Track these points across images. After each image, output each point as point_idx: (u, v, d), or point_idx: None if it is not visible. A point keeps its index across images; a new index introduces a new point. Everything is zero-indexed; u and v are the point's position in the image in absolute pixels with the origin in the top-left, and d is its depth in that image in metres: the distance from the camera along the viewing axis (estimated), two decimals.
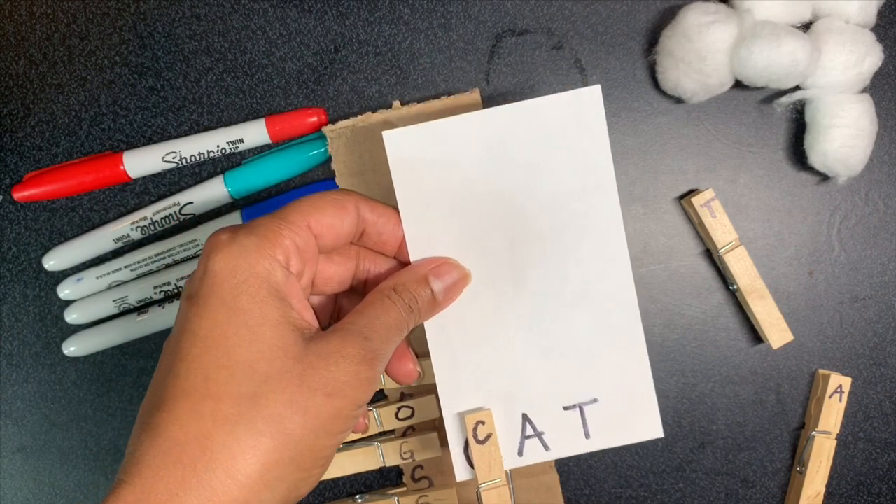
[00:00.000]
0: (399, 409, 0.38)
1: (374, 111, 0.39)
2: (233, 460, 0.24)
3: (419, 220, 0.32)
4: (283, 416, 0.25)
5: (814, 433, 0.37)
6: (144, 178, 0.41)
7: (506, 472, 0.33)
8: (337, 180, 0.39)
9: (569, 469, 0.41)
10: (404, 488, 0.40)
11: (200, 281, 0.26)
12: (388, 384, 0.39)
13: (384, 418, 0.38)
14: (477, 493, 0.33)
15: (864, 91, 0.38)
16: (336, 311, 0.33)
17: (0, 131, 0.41)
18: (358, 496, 0.40)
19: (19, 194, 0.40)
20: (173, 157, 0.39)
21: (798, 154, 0.40)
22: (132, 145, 0.41)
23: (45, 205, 0.41)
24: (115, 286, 0.41)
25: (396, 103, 0.38)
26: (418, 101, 0.39)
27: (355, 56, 0.40)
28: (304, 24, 0.40)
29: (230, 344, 0.25)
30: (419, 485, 0.40)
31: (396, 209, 0.32)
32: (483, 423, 0.32)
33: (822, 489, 0.38)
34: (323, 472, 0.27)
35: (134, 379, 0.42)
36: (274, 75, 0.40)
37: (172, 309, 0.40)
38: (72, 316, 0.41)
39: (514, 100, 0.40)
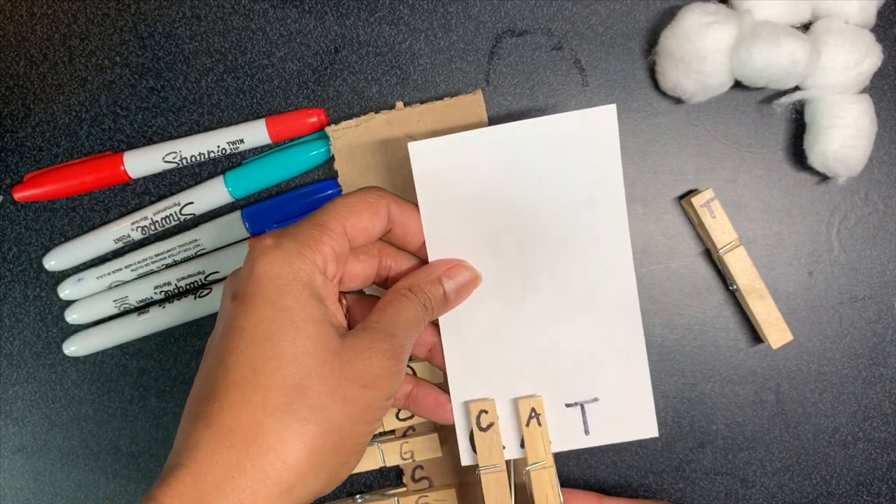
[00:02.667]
0: (399, 409, 0.38)
1: (376, 112, 0.39)
2: (282, 445, 0.26)
3: (438, 224, 0.34)
4: (326, 406, 0.27)
5: (528, 468, 0.35)
6: (145, 178, 0.41)
7: (508, 461, 0.35)
8: (339, 180, 0.39)
9: (569, 469, 0.41)
10: (404, 488, 0.40)
11: (246, 282, 0.28)
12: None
13: (385, 419, 0.38)
14: (477, 474, 0.34)
15: (863, 91, 0.38)
16: (345, 308, 0.34)
17: (1, 131, 0.41)
18: (358, 496, 0.40)
19: (20, 194, 0.40)
20: (174, 158, 0.39)
21: (798, 154, 0.40)
22: (132, 146, 0.41)
23: (45, 205, 0.41)
24: (116, 286, 0.41)
25: (399, 104, 0.38)
26: (421, 102, 0.39)
27: (355, 56, 0.40)
28: (305, 25, 0.40)
29: (276, 338, 0.27)
30: (419, 485, 0.40)
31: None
32: (486, 412, 0.34)
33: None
34: (360, 459, 0.30)
35: (134, 379, 0.42)
36: (274, 76, 0.40)
37: (173, 309, 0.40)
38: (72, 316, 0.41)
39: (514, 100, 0.40)
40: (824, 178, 0.40)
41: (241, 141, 0.39)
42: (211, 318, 0.41)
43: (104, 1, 0.40)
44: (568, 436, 0.35)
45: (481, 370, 0.35)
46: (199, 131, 0.40)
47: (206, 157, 0.39)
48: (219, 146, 0.39)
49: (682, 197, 0.40)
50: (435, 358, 0.36)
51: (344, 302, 0.34)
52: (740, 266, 0.38)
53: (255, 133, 0.39)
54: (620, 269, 0.34)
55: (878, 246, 0.41)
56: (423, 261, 0.35)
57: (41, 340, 0.42)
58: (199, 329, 0.41)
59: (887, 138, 0.40)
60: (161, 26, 0.40)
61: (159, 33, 0.40)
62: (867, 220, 0.40)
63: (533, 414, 0.35)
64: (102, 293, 0.41)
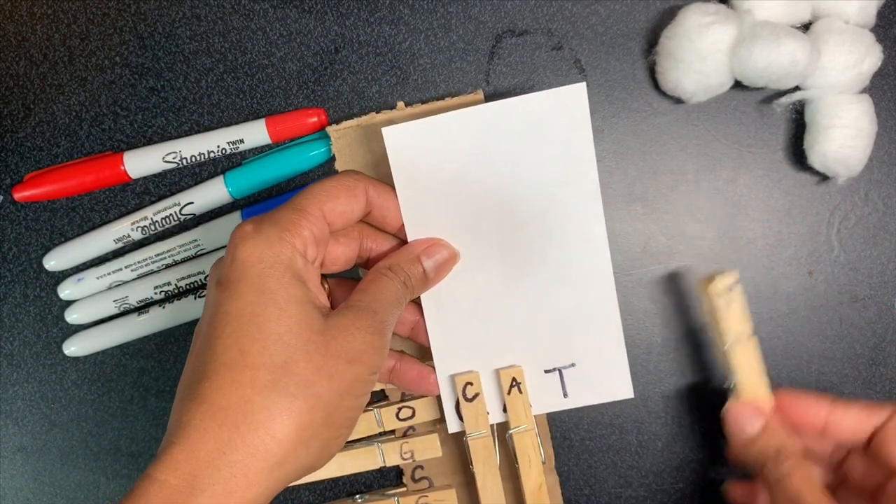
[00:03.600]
0: (400, 409, 0.38)
1: (377, 111, 0.39)
2: (271, 421, 0.26)
3: (416, 206, 0.35)
4: (313, 382, 0.27)
5: (510, 432, 0.37)
6: (145, 178, 0.41)
7: (492, 426, 0.37)
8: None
9: (569, 469, 0.41)
10: (404, 488, 0.40)
11: (229, 268, 0.29)
12: (390, 384, 0.39)
13: (385, 418, 0.39)
14: (465, 441, 0.37)
15: (863, 91, 0.38)
16: (328, 291, 0.35)
17: (1, 131, 0.41)
18: (358, 496, 0.40)
19: (20, 194, 0.40)
20: (174, 158, 0.39)
21: (798, 154, 0.40)
22: (133, 146, 0.41)
23: (45, 205, 0.41)
24: (116, 286, 0.41)
25: (400, 104, 0.38)
26: (421, 102, 0.39)
27: (355, 56, 0.40)
28: (305, 25, 0.40)
29: (261, 320, 0.28)
30: (419, 485, 0.40)
31: None
32: (471, 384, 0.36)
33: (542, 480, 0.37)
34: (350, 433, 0.31)
35: (134, 379, 0.42)
36: (274, 76, 0.40)
37: (173, 309, 0.40)
38: (72, 316, 0.41)
39: None
40: (824, 178, 0.40)
41: (241, 141, 0.39)
42: None
43: (104, 1, 0.40)
44: (547, 399, 0.37)
45: (464, 344, 0.37)
46: (199, 131, 0.40)
47: (206, 157, 0.39)
48: (219, 146, 0.39)
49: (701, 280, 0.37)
50: (418, 335, 0.37)
51: (326, 286, 0.34)
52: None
53: (255, 133, 0.39)
54: (595, 241, 0.35)
55: (878, 246, 0.41)
56: (403, 241, 0.35)
57: (41, 340, 0.42)
58: None
59: (887, 138, 0.40)
60: (161, 26, 0.40)
61: (159, 33, 0.40)
62: (867, 220, 0.40)
63: (514, 383, 0.36)
64: (102, 293, 0.41)
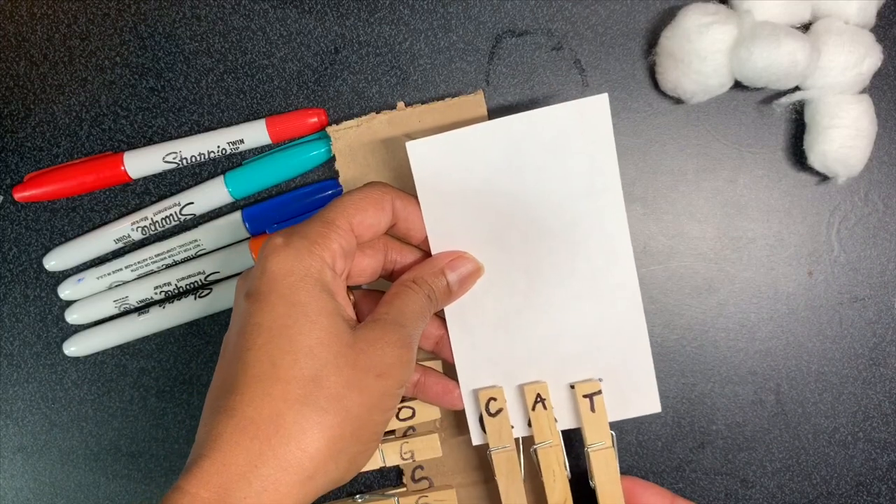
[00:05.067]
0: (400, 409, 0.38)
1: (377, 112, 0.39)
2: (303, 435, 0.26)
3: (440, 219, 0.35)
4: (343, 396, 0.28)
5: (534, 448, 0.36)
6: (145, 178, 0.41)
7: (516, 439, 0.36)
8: (340, 180, 0.39)
9: (569, 469, 0.41)
10: (404, 488, 0.40)
11: (259, 280, 0.29)
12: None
13: None
14: (488, 454, 0.36)
15: (863, 92, 0.38)
16: (353, 303, 0.35)
17: (1, 132, 0.41)
18: (358, 496, 0.40)
19: (20, 195, 0.40)
20: (174, 158, 0.39)
21: (797, 154, 0.40)
22: (133, 146, 0.41)
23: (45, 205, 0.41)
24: (116, 286, 0.41)
25: (401, 104, 0.38)
26: (422, 103, 0.39)
27: (355, 57, 0.40)
28: (305, 25, 0.40)
29: (292, 333, 0.28)
30: (419, 485, 0.40)
31: None
32: (495, 399, 0.36)
33: (568, 495, 0.36)
34: (377, 446, 0.31)
35: (134, 379, 0.42)
36: (274, 76, 0.40)
37: (173, 309, 0.40)
38: (72, 316, 0.41)
39: (514, 100, 0.40)
40: (824, 178, 0.40)
41: (242, 141, 0.39)
42: (211, 319, 0.41)
43: (104, 1, 0.40)
44: (574, 415, 0.36)
45: (487, 359, 0.36)
46: (199, 131, 0.40)
47: (207, 157, 0.40)
48: (219, 146, 0.39)
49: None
50: (442, 350, 0.37)
51: (352, 297, 0.34)
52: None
53: (255, 133, 0.39)
54: (620, 254, 0.35)
55: (878, 246, 0.41)
56: (427, 254, 0.35)
57: (41, 340, 0.42)
58: (199, 329, 0.41)
59: (887, 138, 0.40)
60: (161, 27, 0.40)
61: (159, 34, 0.40)
62: (867, 220, 0.40)
63: (538, 399, 0.36)
64: (102, 293, 0.41)
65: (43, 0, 0.40)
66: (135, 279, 0.41)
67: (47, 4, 0.40)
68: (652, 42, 0.39)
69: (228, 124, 0.40)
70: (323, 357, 0.28)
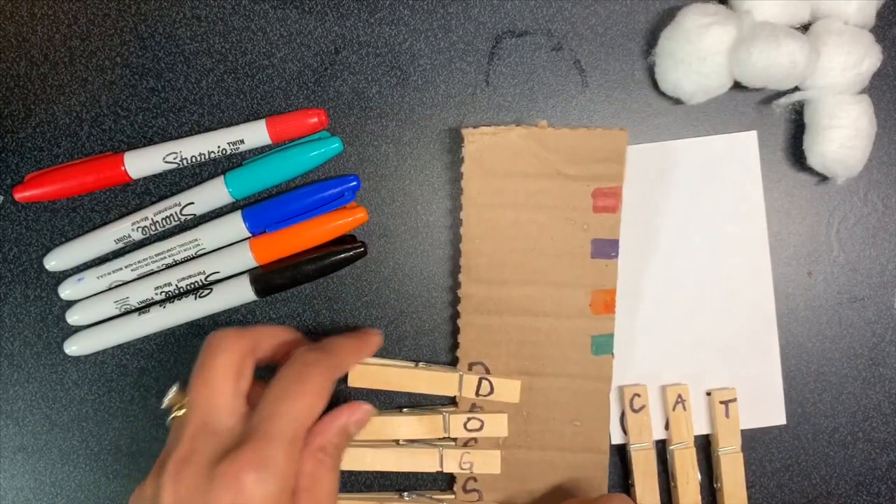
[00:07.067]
0: (469, 419, 0.38)
1: (517, 124, 0.39)
2: None
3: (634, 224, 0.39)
4: None
5: (671, 448, 0.39)
6: (145, 178, 0.41)
7: (654, 441, 0.39)
8: (463, 183, 0.38)
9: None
10: (453, 496, 0.40)
11: None
12: (464, 391, 0.39)
13: (452, 425, 0.38)
14: (629, 451, 0.39)
15: (862, 92, 0.38)
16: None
17: (1, 132, 0.41)
18: (406, 493, 0.40)
19: (20, 195, 0.40)
20: (174, 158, 0.39)
21: (797, 155, 0.40)
22: (133, 146, 0.41)
23: (46, 205, 0.41)
24: (116, 286, 0.41)
25: (543, 122, 0.38)
26: (567, 127, 0.38)
27: (356, 57, 0.40)
28: (305, 26, 0.40)
29: None
30: (468, 496, 0.40)
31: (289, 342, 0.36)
32: (639, 395, 0.39)
33: (698, 499, 0.39)
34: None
35: (135, 379, 0.42)
36: (274, 76, 0.40)
37: (173, 309, 0.40)
38: (73, 317, 0.41)
39: (514, 101, 0.40)
40: (823, 178, 0.40)
41: (242, 141, 0.39)
42: (211, 319, 0.41)
43: (104, 2, 0.40)
44: (704, 421, 0.40)
45: (634, 359, 0.40)
46: (199, 132, 0.40)
47: (207, 157, 0.40)
48: (219, 146, 0.39)
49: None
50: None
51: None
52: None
53: (255, 133, 0.39)
54: (760, 275, 0.40)
55: (878, 246, 0.41)
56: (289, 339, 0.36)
57: (42, 340, 0.42)
58: (199, 329, 0.41)
59: (886, 138, 0.40)
60: (161, 27, 0.40)
61: (160, 34, 0.40)
62: (866, 220, 0.41)
63: (679, 399, 0.39)
64: (103, 293, 0.41)
65: (43, 0, 0.40)
66: (135, 279, 0.41)
67: (47, 5, 0.40)
68: (651, 42, 0.40)
69: (229, 124, 0.40)
70: None
